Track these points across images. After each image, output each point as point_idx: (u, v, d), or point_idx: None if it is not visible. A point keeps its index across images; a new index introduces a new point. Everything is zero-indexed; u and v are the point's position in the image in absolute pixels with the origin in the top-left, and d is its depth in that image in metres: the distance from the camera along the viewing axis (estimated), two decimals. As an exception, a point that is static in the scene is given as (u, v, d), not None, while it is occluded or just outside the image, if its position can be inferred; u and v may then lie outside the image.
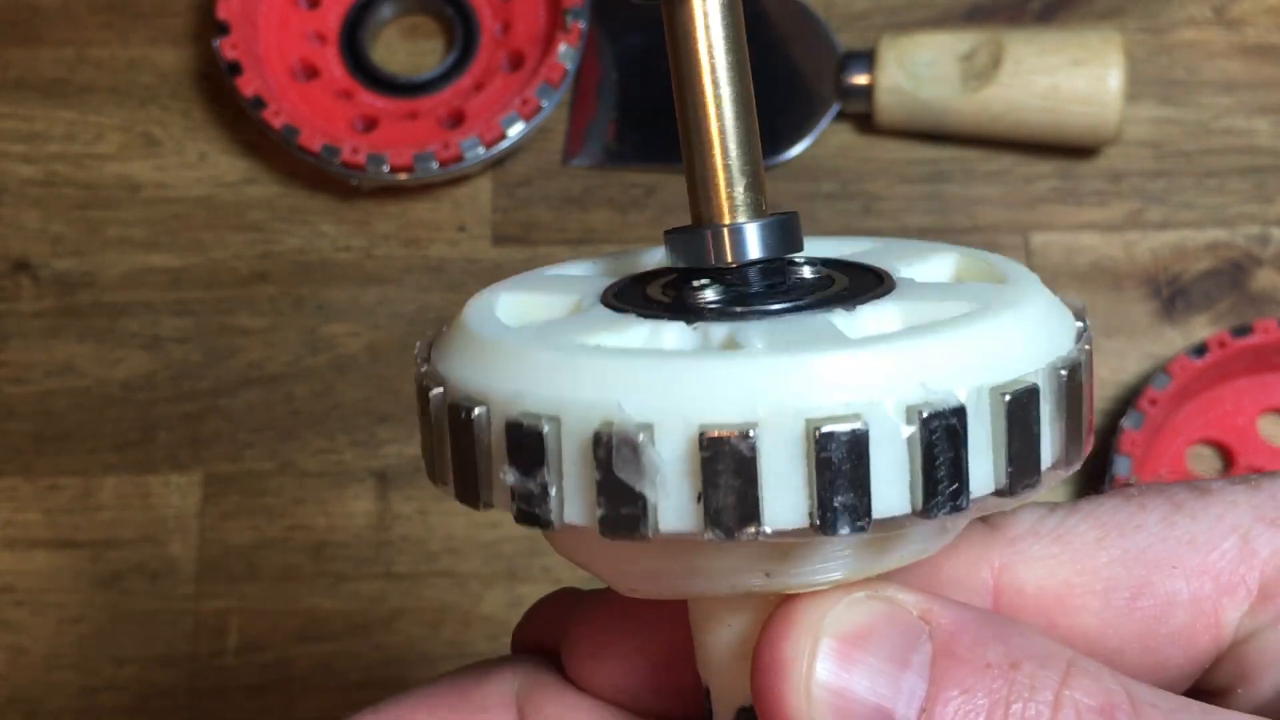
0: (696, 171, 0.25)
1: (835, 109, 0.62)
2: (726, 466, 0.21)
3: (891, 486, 0.21)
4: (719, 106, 0.24)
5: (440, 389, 0.24)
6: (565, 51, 0.61)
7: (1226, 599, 0.26)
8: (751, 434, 0.21)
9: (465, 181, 0.63)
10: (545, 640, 0.28)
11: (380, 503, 0.59)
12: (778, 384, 0.21)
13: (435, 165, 0.60)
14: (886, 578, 0.24)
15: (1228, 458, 0.58)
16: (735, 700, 0.25)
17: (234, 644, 0.57)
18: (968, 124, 0.61)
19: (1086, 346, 0.23)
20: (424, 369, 0.24)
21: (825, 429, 0.21)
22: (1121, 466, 0.55)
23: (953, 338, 0.22)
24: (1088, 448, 0.23)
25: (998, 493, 0.22)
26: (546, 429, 0.21)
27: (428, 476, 0.25)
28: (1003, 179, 0.62)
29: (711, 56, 0.24)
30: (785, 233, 0.25)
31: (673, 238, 0.25)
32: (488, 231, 0.62)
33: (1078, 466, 0.23)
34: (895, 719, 0.22)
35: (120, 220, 0.63)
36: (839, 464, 0.21)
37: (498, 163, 0.62)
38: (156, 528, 0.58)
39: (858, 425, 0.21)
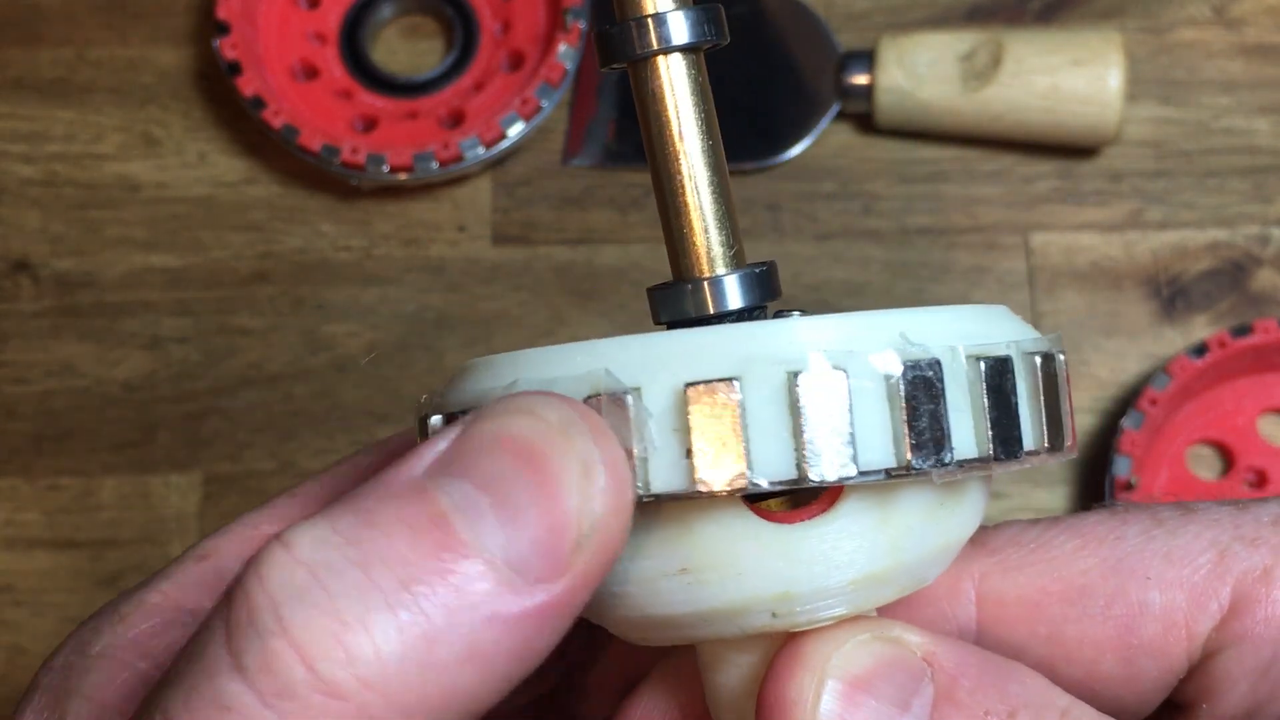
0: (673, 228, 0.25)
1: (835, 109, 0.62)
2: (714, 417, 0.21)
3: (875, 437, 0.22)
4: (690, 165, 0.25)
5: (439, 415, 0.24)
6: (565, 51, 0.61)
7: (1198, 612, 0.26)
8: (736, 385, 0.21)
9: (465, 181, 0.63)
10: None
11: (380, 503, 0.59)
12: (762, 341, 0.22)
13: (435, 165, 0.60)
14: (889, 606, 0.24)
15: (1228, 458, 0.58)
16: None
17: (234, 644, 0.57)
18: (968, 124, 0.61)
19: (1060, 351, 0.24)
20: (425, 407, 0.25)
21: (809, 377, 0.21)
22: (1121, 467, 0.55)
23: (929, 314, 0.23)
24: (1070, 440, 0.24)
25: (981, 459, 0.22)
26: None
27: None
28: (1003, 179, 0.62)
29: (679, 116, 0.25)
30: (763, 282, 0.25)
31: (655, 294, 0.26)
32: (488, 231, 0.62)
33: (1061, 457, 0.24)
34: None
35: (120, 220, 0.63)
36: (824, 411, 0.21)
37: (498, 163, 0.62)
38: (156, 528, 0.58)
39: (841, 372, 0.21)
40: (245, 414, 0.60)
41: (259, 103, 0.60)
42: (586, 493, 0.21)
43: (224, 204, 0.63)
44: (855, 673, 0.23)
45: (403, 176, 0.60)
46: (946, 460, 0.22)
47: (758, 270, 0.25)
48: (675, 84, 0.25)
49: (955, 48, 0.61)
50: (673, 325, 0.25)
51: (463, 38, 0.65)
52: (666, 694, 0.26)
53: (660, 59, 0.25)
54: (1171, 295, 0.60)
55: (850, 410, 0.21)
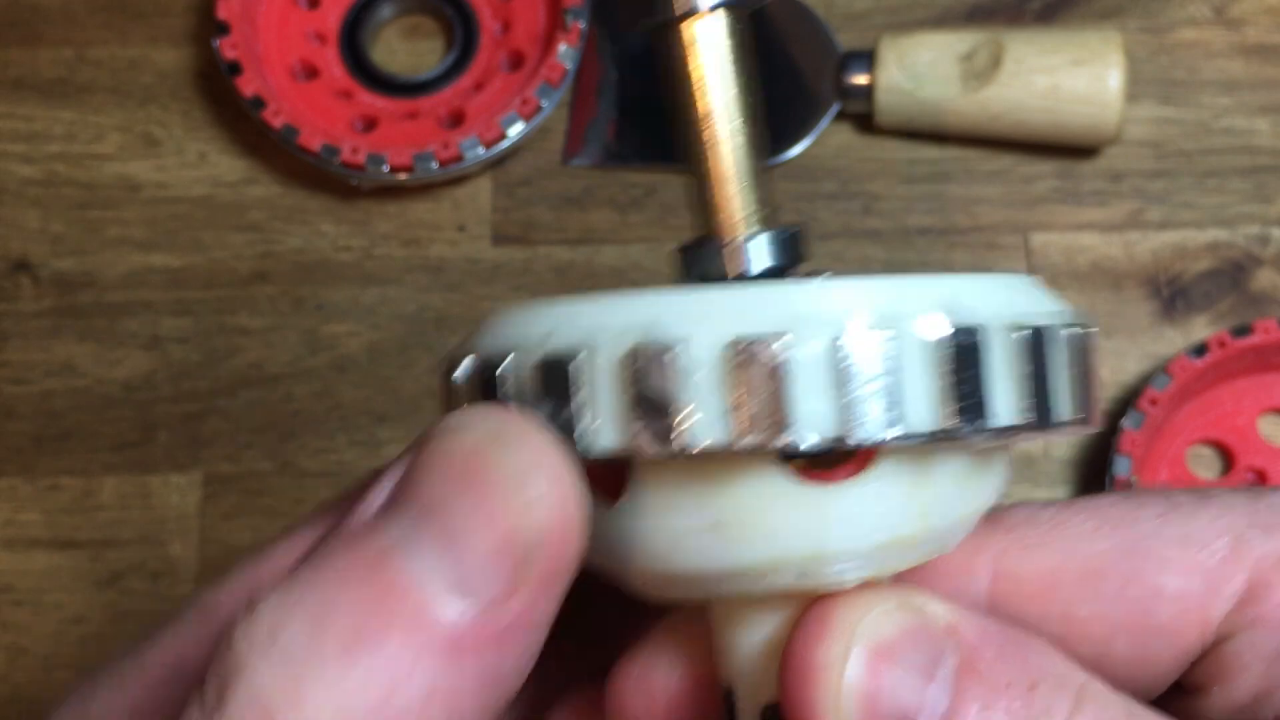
0: (705, 186, 0.25)
1: (835, 109, 0.62)
2: (760, 372, 0.21)
3: (919, 401, 0.22)
4: (731, 121, 0.25)
5: (469, 359, 0.24)
6: (565, 51, 0.61)
7: (1213, 597, 0.26)
8: (784, 341, 0.21)
9: (465, 181, 0.63)
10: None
11: (380, 503, 0.59)
12: (811, 299, 0.22)
13: (435, 165, 0.60)
14: (906, 576, 0.24)
15: (1228, 458, 0.58)
16: (761, 697, 0.25)
17: (234, 644, 0.57)
18: (968, 124, 0.61)
19: (1092, 326, 0.24)
20: (452, 356, 0.25)
21: (856, 337, 0.21)
22: (1121, 467, 0.55)
23: (972, 280, 0.23)
24: (1096, 417, 0.24)
25: (1018, 426, 0.23)
26: (578, 356, 0.22)
27: None
28: (1003, 179, 0.62)
29: (723, 71, 0.25)
30: (794, 243, 0.25)
31: (682, 254, 0.25)
32: (488, 231, 0.62)
33: (1088, 429, 0.24)
34: None
35: (120, 220, 0.63)
36: (869, 372, 0.21)
37: (498, 163, 0.62)
38: (156, 528, 0.58)
39: (888, 334, 0.21)
40: (245, 414, 0.60)
41: (259, 103, 0.60)
42: (526, 502, 0.21)
43: (224, 204, 0.63)
44: (882, 640, 0.23)
45: (403, 176, 0.60)
46: (987, 426, 0.22)
47: (790, 232, 0.25)
48: (721, 39, 0.25)
49: (955, 48, 0.61)
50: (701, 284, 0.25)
51: (463, 38, 0.65)
52: (668, 652, 0.26)
53: (707, 15, 0.25)
54: (1171, 295, 0.60)
55: (897, 372, 0.21)
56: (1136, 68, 0.63)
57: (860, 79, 0.62)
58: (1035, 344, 0.23)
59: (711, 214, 0.25)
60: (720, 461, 0.22)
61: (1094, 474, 0.57)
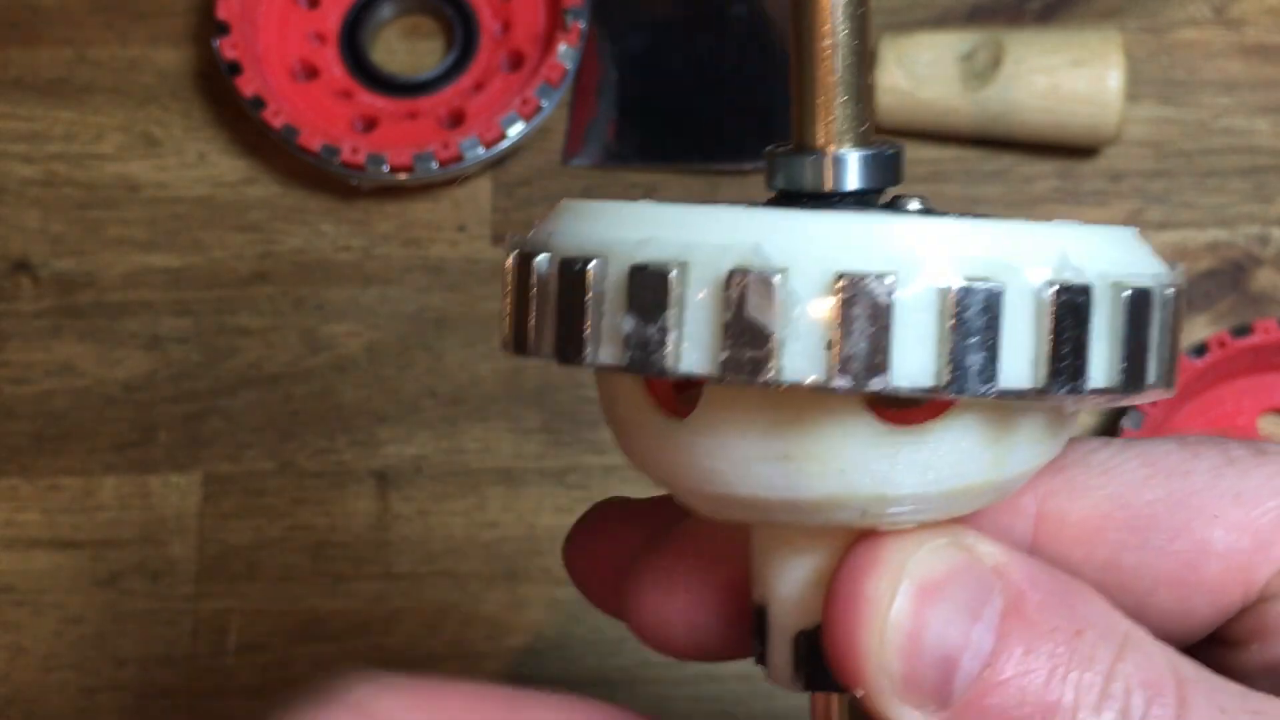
0: (803, 88, 0.24)
1: (835, 109, 0.62)
2: (862, 312, 0.20)
3: (1019, 357, 0.21)
4: (833, 24, 0.24)
5: (547, 253, 0.23)
6: (565, 51, 0.61)
7: (1261, 556, 0.26)
8: (890, 282, 0.20)
9: (465, 181, 0.63)
10: (603, 565, 0.28)
11: (380, 503, 0.59)
12: (920, 239, 0.21)
13: (435, 165, 0.60)
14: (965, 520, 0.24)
15: (1228, 458, 0.58)
16: (796, 623, 0.25)
17: (234, 644, 0.57)
18: (968, 124, 0.61)
19: (1184, 284, 0.24)
20: (519, 241, 0.24)
21: (964, 285, 0.21)
22: (1121, 466, 0.55)
23: (1081, 233, 0.22)
24: (1175, 382, 0.24)
25: (1109, 390, 0.22)
26: (674, 272, 0.21)
27: (513, 349, 0.24)
28: (1003, 179, 0.62)
29: None
30: (888, 164, 0.24)
31: (774, 160, 0.24)
32: (487, 231, 0.62)
33: (1168, 394, 0.24)
34: (960, 668, 0.23)
35: (120, 220, 0.63)
36: (974, 321, 0.21)
37: (498, 163, 0.62)
38: (156, 528, 0.58)
39: (994, 285, 0.21)
40: (245, 414, 0.60)
41: (259, 103, 0.60)
42: None
43: (224, 204, 0.63)
44: (930, 578, 0.23)
45: (403, 176, 0.60)
46: (1083, 389, 0.22)
47: (887, 152, 0.24)
48: None
49: (955, 48, 0.61)
50: (786, 194, 0.24)
51: (463, 38, 0.65)
52: (691, 555, 0.26)
53: None
54: (1171, 295, 0.60)
55: (1000, 326, 0.21)
56: (1136, 68, 0.63)
57: (860, 79, 0.61)
58: (1138, 306, 0.22)
59: (805, 121, 0.24)
60: (803, 395, 0.22)
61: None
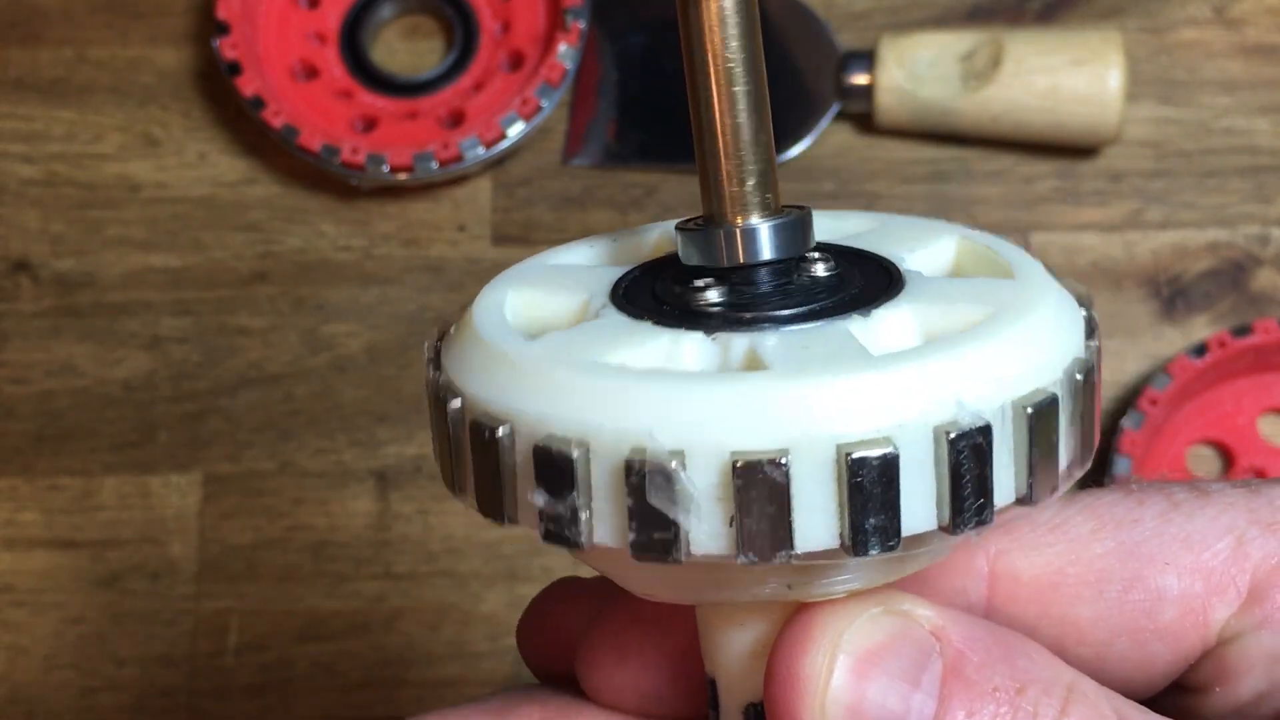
0: (708, 169, 0.24)
1: (835, 109, 0.62)
2: (760, 493, 0.21)
3: (919, 505, 0.21)
4: (731, 102, 0.24)
5: (458, 401, 0.23)
6: (565, 51, 0.61)
7: (1216, 599, 0.26)
8: (784, 461, 0.21)
9: (465, 181, 0.63)
10: (554, 640, 0.28)
11: (380, 503, 0.59)
12: (809, 409, 0.21)
13: (435, 165, 0.60)
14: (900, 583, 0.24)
15: (1228, 458, 0.58)
16: (744, 696, 0.25)
17: (234, 644, 0.57)
18: (968, 124, 0.61)
19: (1096, 343, 0.24)
20: (438, 376, 0.24)
21: (857, 454, 0.21)
22: (1121, 467, 0.55)
23: (974, 353, 0.22)
24: (1096, 443, 0.24)
25: (1019, 501, 0.22)
26: (576, 454, 0.21)
27: (445, 484, 0.24)
28: (1003, 179, 0.62)
29: (725, 50, 0.24)
30: (797, 232, 0.24)
31: (684, 236, 0.24)
32: (487, 231, 0.62)
33: (1089, 466, 0.24)
34: None
35: (120, 220, 0.63)
36: (870, 487, 0.21)
37: (498, 163, 0.62)
38: (156, 528, 0.58)
39: (889, 450, 0.21)
40: (245, 414, 0.60)
41: (259, 103, 0.60)
42: None
43: (224, 204, 0.63)
44: (866, 648, 0.23)
45: (403, 176, 0.60)
46: (987, 519, 0.21)
47: (791, 219, 0.24)
48: (726, 19, 0.24)
49: (955, 48, 0.61)
50: (700, 271, 0.24)
51: (463, 38, 0.65)
52: (642, 630, 0.26)
53: None
54: (1171, 295, 0.60)
55: (898, 486, 0.21)
56: (1136, 68, 0.63)
57: (860, 79, 0.62)
58: (1043, 418, 0.22)
59: (712, 196, 0.24)
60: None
61: (1094, 474, 0.57)
